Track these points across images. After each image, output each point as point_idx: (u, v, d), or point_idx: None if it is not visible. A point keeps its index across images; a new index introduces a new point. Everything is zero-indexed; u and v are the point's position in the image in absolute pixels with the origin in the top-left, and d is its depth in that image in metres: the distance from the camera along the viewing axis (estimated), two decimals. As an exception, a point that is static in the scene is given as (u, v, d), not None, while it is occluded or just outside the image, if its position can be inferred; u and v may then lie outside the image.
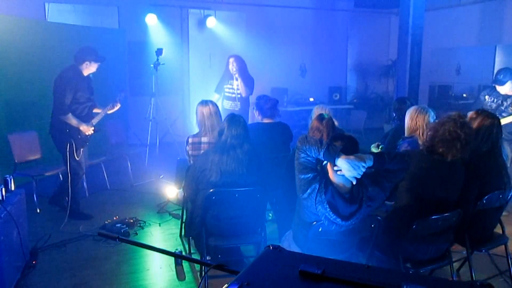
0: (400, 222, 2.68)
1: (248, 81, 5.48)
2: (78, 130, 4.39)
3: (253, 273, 1.19)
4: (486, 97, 4.79)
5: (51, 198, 4.85)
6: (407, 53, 7.08)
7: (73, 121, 4.33)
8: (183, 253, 3.80)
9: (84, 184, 5.18)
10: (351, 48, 10.33)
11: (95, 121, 4.53)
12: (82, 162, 4.53)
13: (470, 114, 3.14)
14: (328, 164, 2.38)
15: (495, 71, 5.02)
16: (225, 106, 5.63)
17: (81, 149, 4.46)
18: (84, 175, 4.64)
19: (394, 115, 4.36)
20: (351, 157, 2.27)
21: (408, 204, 2.73)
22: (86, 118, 4.45)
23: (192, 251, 3.80)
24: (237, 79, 5.46)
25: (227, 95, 5.64)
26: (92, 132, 4.48)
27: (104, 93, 5.21)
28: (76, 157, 4.40)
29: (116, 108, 4.66)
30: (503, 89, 4.58)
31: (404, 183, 2.69)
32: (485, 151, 2.95)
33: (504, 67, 5.01)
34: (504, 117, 4.50)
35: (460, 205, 2.78)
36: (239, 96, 5.51)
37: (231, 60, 5.48)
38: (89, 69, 4.38)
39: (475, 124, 3.00)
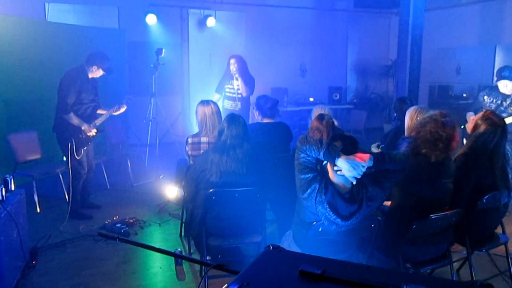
0: (396, 223, 2.67)
1: (249, 81, 5.48)
2: (80, 129, 4.41)
3: (253, 273, 1.19)
4: (485, 97, 4.77)
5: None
6: (407, 53, 7.09)
7: (75, 120, 4.36)
8: (183, 253, 3.80)
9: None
10: (351, 48, 10.33)
11: (98, 121, 4.55)
12: (83, 162, 4.54)
13: (476, 116, 3.13)
14: (328, 164, 2.38)
15: (495, 71, 5.01)
16: (226, 106, 5.63)
17: (83, 149, 4.47)
18: (85, 175, 4.64)
19: (395, 115, 4.36)
20: (351, 157, 2.27)
21: (401, 205, 2.73)
22: (89, 118, 4.47)
23: (192, 251, 3.80)
24: (237, 79, 5.46)
25: (227, 95, 5.65)
26: (95, 133, 4.49)
27: (104, 93, 5.19)
28: (76, 156, 4.41)
29: (122, 110, 4.70)
30: (509, 85, 4.53)
31: (396, 184, 2.69)
32: (485, 152, 2.95)
33: (504, 65, 5.00)
34: (504, 117, 4.48)
35: (459, 204, 2.78)
36: (239, 96, 5.51)
37: (232, 60, 5.48)
38: (95, 73, 4.43)
39: (481, 127, 2.99)
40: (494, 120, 3.00)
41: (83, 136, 4.44)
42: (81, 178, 4.59)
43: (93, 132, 4.45)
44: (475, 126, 3.04)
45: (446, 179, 2.72)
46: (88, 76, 4.39)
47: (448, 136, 2.62)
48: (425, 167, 2.65)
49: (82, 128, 4.40)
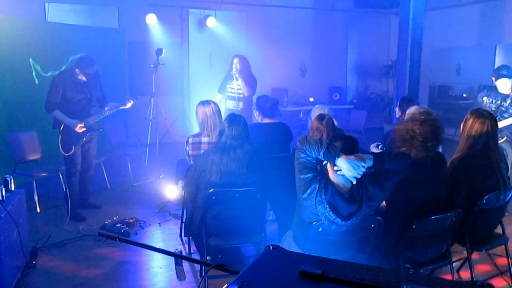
0: (392, 224, 2.67)
1: (250, 81, 5.48)
2: (67, 125, 4.45)
3: (253, 273, 1.20)
4: (484, 98, 4.73)
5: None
6: (407, 53, 7.08)
7: (59, 117, 4.44)
8: (183, 253, 3.80)
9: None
10: (351, 48, 10.32)
11: (92, 120, 4.56)
12: (75, 160, 4.56)
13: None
14: (328, 164, 2.38)
15: (493, 71, 4.98)
16: (228, 106, 5.63)
17: (74, 146, 4.49)
18: (78, 173, 4.64)
19: (400, 114, 4.33)
20: (351, 157, 2.27)
21: (396, 206, 2.73)
22: (78, 115, 4.49)
23: (192, 251, 3.80)
24: (237, 79, 5.46)
25: (229, 95, 5.65)
26: (83, 129, 4.49)
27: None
28: (64, 152, 4.47)
29: (128, 105, 4.79)
30: (509, 83, 4.51)
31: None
32: (479, 150, 2.95)
33: (502, 64, 4.98)
34: (506, 117, 4.46)
35: (458, 204, 2.78)
36: (239, 96, 5.51)
37: (236, 60, 5.48)
38: (81, 76, 4.47)
39: (468, 124, 3.00)
40: (481, 112, 3.02)
41: (72, 133, 4.46)
42: (72, 175, 4.60)
43: (78, 127, 4.46)
44: (465, 122, 3.06)
45: (431, 179, 2.70)
46: (77, 78, 4.45)
47: (423, 134, 2.62)
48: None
49: (66, 123, 4.43)
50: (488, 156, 2.94)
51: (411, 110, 3.61)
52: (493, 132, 2.99)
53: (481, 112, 3.03)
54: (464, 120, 3.10)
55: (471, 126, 2.99)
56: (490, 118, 3.01)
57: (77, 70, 4.42)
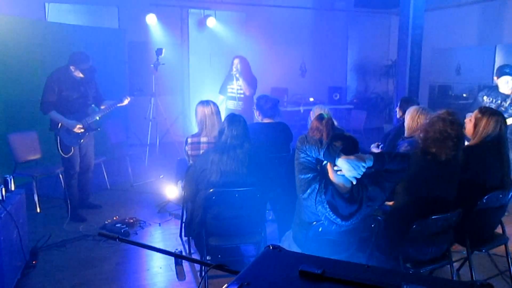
0: (399, 223, 2.68)
1: (251, 81, 5.49)
2: (65, 126, 4.42)
3: (253, 273, 1.20)
4: (485, 97, 4.74)
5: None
6: (407, 53, 7.08)
7: (56, 117, 4.39)
8: (183, 253, 3.80)
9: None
10: (351, 48, 10.33)
11: (90, 119, 4.54)
12: (74, 161, 4.54)
13: (473, 114, 3.14)
14: (328, 164, 2.38)
15: (495, 70, 4.97)
16: (228, 106, 5.64)
17: (72, 147, 4.46)
18: (76, 174, 4.63)
19: (401, 114, 4.33)
20: (351, 157, 2.27)
21: (406, 205, 2.73)
22: (75, 114, 4.45)
23: (192, 251, 3.80)
24: (238, 79, 5.47)
25: (229, 95, 5.66)
26: (82, 130, 4.47)
27: (103, 93, 5.19)
28: (62, 153, 4.44)
29: (125, 102, 4.77)
30: (511, 82, 4.51)
31: (401, 184, 2.69)
32: (491, 143, 2.97)
33: (504, 63, 4.98)
34: (506, 118, 4.46)
35: (460, 203, 2.78)
36: (239, 96, 5.52)
37: (236, 60, 5.50)
38: (76, 73, 4.40)
39: (482, 124, 3.01)
40: (491, 111, 3.04)
41: (70, 134, 4.43)
42: (71, 177, 4.59)
43: (77, 128, 4.44)
44: (476, 122, 3.06)
45: (455, 178, 2.73)
46: (73, 76, 4.39)
47: (457, 134, 2.65)
48: (433, 166, 2.65)
49: (64, 124, 4.39)
50: (499, 151, 2.96)
51: (411, 110, 3.62)
52: (506, 128, 3.02)
53: (492, 111, 3.06)
54: (474, 119, 3.10)
55: (486, 125, 3.01)
56: (501, 115, 3.04)
57: (72, 67, 4.35)
